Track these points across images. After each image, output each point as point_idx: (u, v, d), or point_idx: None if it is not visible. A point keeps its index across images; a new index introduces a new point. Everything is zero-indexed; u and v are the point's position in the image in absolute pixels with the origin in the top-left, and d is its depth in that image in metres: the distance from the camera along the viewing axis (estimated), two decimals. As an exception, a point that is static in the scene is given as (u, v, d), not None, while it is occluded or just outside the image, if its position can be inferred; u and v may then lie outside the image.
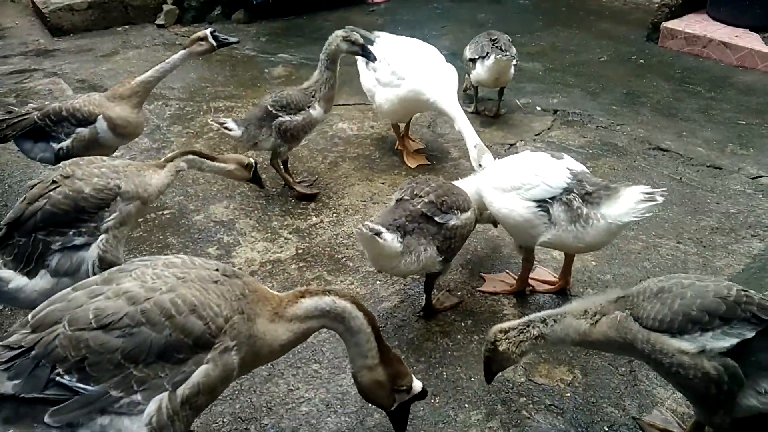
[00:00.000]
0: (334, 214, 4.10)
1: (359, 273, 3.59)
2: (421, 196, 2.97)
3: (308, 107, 4.13)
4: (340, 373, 2.90)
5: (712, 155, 4.67)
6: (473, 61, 4.90)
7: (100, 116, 3.81)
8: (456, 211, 3.00)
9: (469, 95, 5.45)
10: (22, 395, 1.82)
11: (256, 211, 4.14)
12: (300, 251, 3.77)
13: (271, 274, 3.58)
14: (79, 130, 3.79)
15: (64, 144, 3.77)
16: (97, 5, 7.37)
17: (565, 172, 2.95)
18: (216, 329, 1.99)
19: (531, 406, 2.75)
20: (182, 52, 4.14)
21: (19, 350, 1.88)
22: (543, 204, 2.94)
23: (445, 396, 2.80)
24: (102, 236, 2.81)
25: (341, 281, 3.53)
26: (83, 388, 1.84)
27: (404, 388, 2.32)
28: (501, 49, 4.81)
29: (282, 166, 4.23)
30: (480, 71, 4.86)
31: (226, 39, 4.27)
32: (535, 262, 3.35)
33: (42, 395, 1.83)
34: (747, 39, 6.18)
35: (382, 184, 4.43)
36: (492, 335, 2.48)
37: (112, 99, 3.93)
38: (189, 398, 1.94)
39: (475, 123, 5.24)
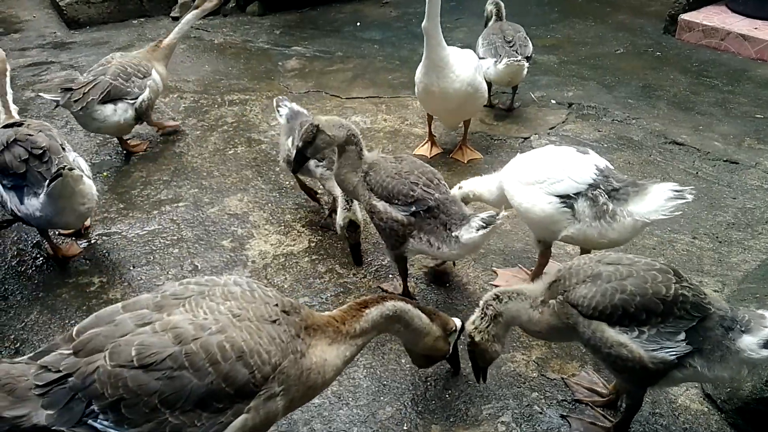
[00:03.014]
0: (347, 208, 4.11)
1: (371, 267, 3.60)
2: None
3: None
4: (352, 366, 2.92)
5: (729, 150, 4.61)
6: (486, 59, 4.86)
7: (153, 69, 4.53)
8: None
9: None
10: (54, 427, 1.76)
11: (269, 204, 4.16)
12: (313, 244, 3.78)
13: (284, 267, 3.60)
14: (148, 82, 4.45)
15: (143, 96, 4.39)
16: (113, -2, 7.43)
17: (591, 167, 2.90)
18: (261, 378, 1.89)
19: (543, 401, 2.75)
20: (195, 11, 4.83)
21: (57, 375, 1.82)
22: (567, 199, 2.90)
23: (456, 390, 2.81)
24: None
25: (354, 275, 3.55)
26: None
27: (453, 329, 2.56)
28: (516, 52, 4.79)
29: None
30: (492, 72, 4.82)
31: None
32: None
33: None
34: (766, 31, 6.07)
35: (395, 177, 4.42)
36: (467, 330, 2.51)
37: (150, 57, 4.62)
38: None
39: (489, 116, 5.23)
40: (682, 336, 2.19)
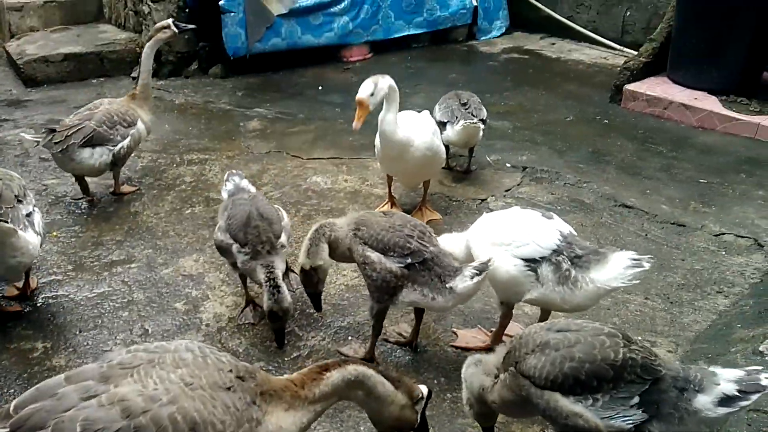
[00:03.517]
0: (306, 269, 4.06)
1: (330, 328, 3.54)
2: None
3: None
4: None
5: (676, 212, 4.80)
6: (443, 123, 5.02)
7: (138, 119, 4.74)
8: None
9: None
10: None
11: (226, 265, 4.07)
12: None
13: (239, 330, 3.50)
14: (131, 131, 4.65)
15: (123, 144, 4.59)
16: (73, 57, 7.41)
17: (555, 233, 2.99)
18: None
19: (504, 467, 2.69)
20: (150, 42, 4.91)
21: None
22: (531, 263, 2.96)
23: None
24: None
25: (312, 336, 3.47)
26: None
27: (420, 396, 2.39)
28: (472, 114, 4.97)
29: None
30: (450, 134, 4.98)
31: (185, 26, 4.98)
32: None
33: None
34: (706, 101, 6.46)
35: (355, 238, 4.42)
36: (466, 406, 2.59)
37: (134, 105, 4.78)
38: None
39: (447, 179, 5.34)
40: (636, 400, 2.20)
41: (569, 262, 2.91)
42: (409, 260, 2.98)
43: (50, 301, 3.70)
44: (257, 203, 3.47)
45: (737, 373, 2.21)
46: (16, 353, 3.30)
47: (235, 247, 3.33)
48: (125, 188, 4.95)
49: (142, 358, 1.92)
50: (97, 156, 4.45)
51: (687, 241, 4.44)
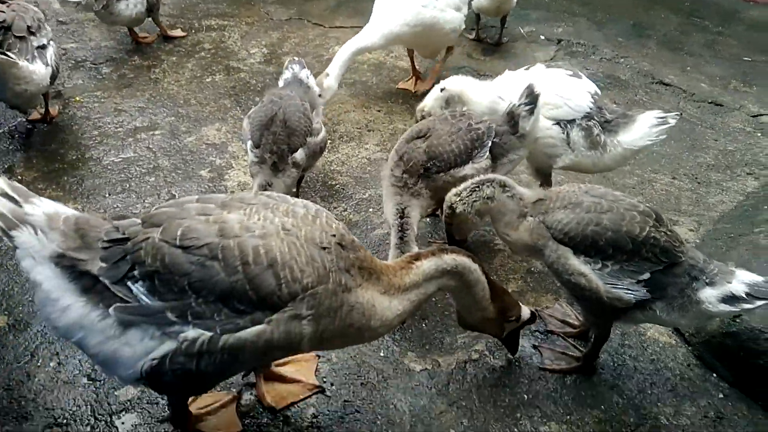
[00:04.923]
0: (329, 141, 4.03)
1: (352, 200, 3.58)
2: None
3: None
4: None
5: (715, 92, 4.58)
6: None
7: None
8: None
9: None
10: (101, 278, 1.89)
11: (249, 135, 4.07)
12: (293, 176, 3.73)
13: (263, 198, 3.56)
14: None
15: None
16: None
17: (587, 96, 2.99)
18: (287, 295, 1.86)
19: (517, 332, 2.80)
20: None
21: (121, 236, 1.92)
22: (562, 126, 2.98)
23: (433, 320, 2.85)
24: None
25: (334, 208, 3.52)
26: (145, 301, 1.86)
27: (513, 318, 2.37)
28: None
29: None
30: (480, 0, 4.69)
31: None
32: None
33: (113, 288, 1.87)
34: (761, -29, 5.94)
35: (378, 111, 4.35)
36: (448, 200, 2.54)
37: None
38: (231, 348, 1.86)
39: (476, 51, 5.11)
40: (646, 276, 2.22)
41: (599, 127, 2.93)
42: (489, 143, 2.89)
43: (78, 164, 3.76)
44: (288, 107, 3.12)
45: (755, 278, 2.18)
46: (49, 213, 3.41)
47: (249, 143, 3.13)
48: (174, 32, 5.19)
49: (261, 200, 2.03)
50: (132, 6, 4.74)
51: (722, 121, 4.27)
